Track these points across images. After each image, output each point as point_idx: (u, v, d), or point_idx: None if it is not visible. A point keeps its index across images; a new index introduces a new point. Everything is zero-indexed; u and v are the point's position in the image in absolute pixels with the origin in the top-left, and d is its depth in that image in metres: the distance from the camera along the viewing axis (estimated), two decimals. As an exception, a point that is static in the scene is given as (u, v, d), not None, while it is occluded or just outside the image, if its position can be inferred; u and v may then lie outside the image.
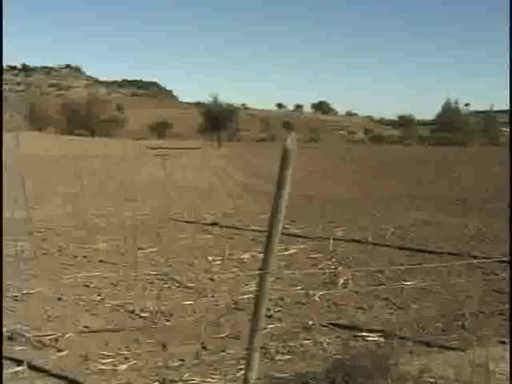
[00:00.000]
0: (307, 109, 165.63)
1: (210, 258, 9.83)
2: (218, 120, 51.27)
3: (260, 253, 9.59)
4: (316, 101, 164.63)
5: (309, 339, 6.13)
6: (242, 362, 5.26)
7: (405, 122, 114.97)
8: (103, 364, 5.49)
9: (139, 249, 10.31)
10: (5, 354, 5.64)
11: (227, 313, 7.05)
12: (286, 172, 4.15)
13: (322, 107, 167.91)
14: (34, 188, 20.51)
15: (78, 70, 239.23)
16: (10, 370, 5.32)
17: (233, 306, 7.31)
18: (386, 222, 13.36)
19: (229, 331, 6.34)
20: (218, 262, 9.60)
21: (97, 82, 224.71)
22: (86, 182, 21.93)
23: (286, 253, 10.05)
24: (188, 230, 12.58)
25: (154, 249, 10.55)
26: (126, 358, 5.61)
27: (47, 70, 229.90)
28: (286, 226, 10.84)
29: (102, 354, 5.69)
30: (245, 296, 7.58)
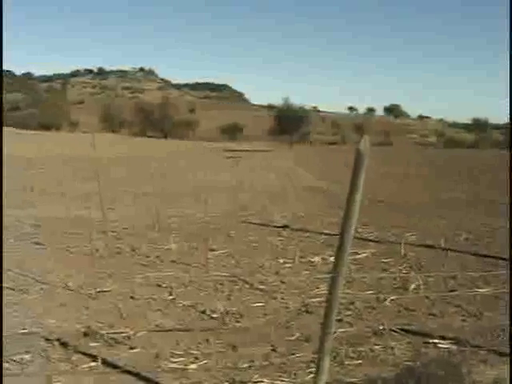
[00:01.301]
0: (379, 112, 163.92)
1: (280, 261, 9.82)
2: (289, 122, 51.32)
3: (331, 256, 9.56)
4: (388, 104, 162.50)
5: (379, 344, 6.05)
6: (312, 365, 5.24)
7: (478, 126, 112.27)
8: (174, 363, 5.56)
9: (210, 250, 10.39)
10: (80, 349, 5.80)
11: (297, 315, 7.04)
12: (359, 175, 4.11)
13: (394, 110, 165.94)
14: (109, 188, 20.95)
15: (151, 72, 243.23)
16: (84, 365, 5.46)
17: (303, 308, 7.29)
18: (458, 227, 13.08)
19: (299, 334, 6.32)
20: (289, 265, 9.58)
21: (169, 84, 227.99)
22: (159, 182, 22.28)
23: (357, 257, 9.96)
24: (259, 231, 12.60)
25: (225, 250, 10.61)
26: (196, 358, 5.66)
27: (122, 73, 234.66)
28: (358, 230, 10.74)
29: (173, 353, 5.76)
30: (315, 299, 7.55)
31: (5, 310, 7.08)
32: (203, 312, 7.09)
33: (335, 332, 5.47)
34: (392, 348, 5.93)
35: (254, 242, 11.52)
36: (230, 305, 7.34)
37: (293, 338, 6.24)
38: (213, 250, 10.50)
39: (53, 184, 21.23)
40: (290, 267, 9.44)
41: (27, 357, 5.63)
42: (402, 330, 6.49)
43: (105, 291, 7.93)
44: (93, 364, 5.47)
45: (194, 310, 7.21)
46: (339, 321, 6.39)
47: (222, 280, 8.57)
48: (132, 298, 7.67)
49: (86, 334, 6.22)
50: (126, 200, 17.72)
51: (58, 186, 21.08)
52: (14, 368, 5.40)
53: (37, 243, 11.13)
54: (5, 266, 9.22)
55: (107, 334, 6.25)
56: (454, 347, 5.93)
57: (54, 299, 7.63)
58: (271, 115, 56.71)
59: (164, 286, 8.26)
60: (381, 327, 6.54)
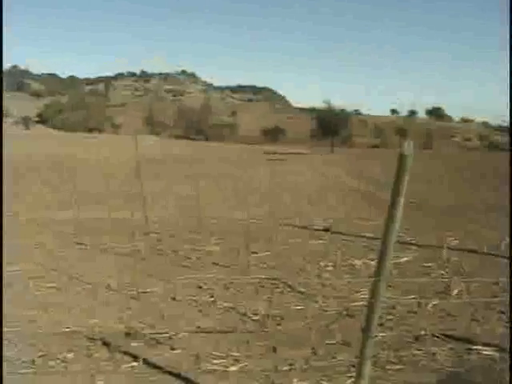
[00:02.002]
0: (422, 115, 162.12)
1: (321, 264, 9.79)
2: (330, 125, 51.18)
3: (372, 260, 9.50)
4: (431, 107, 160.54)
5: (421, 349, 5.99)
6: (353, 369, 5.22)
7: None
8: (214, 364, 5.58)
9: (251, 252, 10.42)
10: (122, 349, 5.86)
11: (338, 319, 7.00)
12: (402, 179, 4.08)
13: (436, 113, 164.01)
14: (152, 189, 21.11)
15: (193, 75, 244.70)
16: (126, 364, 5.51)
17: (344, 312, 7.25)
18: (502, 231, 12.87)
19: (339, 338, 6.29)
20: (330, 268, 9.55)
21: (211, 86, 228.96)
22: (201, 184, 22.39)
23: (399, 261, 9.88)
24: (300, 234, 12.58)
25: (266, 253, 10.62)
26: (236, 360, 5.68)
27: (164, 76, 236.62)
28: (399, 234, 10.63)
29: (214, 355, 5.79)
30: (356, 303, 7.51)
31: (48, 309, 7.20)
32: (244, 314, 7.11)
33: (376, 336, 5.44)
34: (434, 354, 5.86)
35: (295, 244, 11.51)
36: (271, 307, 7.34)
37: (333, 341, 6.21)
38: (254, 252, 10.52)
39: (95, 185, 21.46)
40: (331, 270, 9.40)
41: (70, 355, 5.71)
42: (444, 335, 6.41)
43: (146, 292, 8.00)
44: (134, 364, 5.53)
45: (235, 311, 7.23)
46: (380, 325, 6.34)
47: (263, 282, 8.58)
48: (173, 299, 7.73)
49: (127, 334, 6.29)
50: (167, 201, 17.85)
51: (101, 187, 21.30)
52: (58, 366, 5.48)
53: (79, 243, 11.28)
54: (48, 266, 9.39)
55: (149, 334, 6.31)
56: (497, 354, 5.84)
57: (97, 299, 7.73)
58: (312, 118, 56.62)
59: (205, 287, 8.30)
60: (422, 332, 6.47)
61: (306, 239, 12.03)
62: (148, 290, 8.11)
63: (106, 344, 6.00)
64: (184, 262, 9.87)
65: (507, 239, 11.92)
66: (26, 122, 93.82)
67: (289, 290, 8.26)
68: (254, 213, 15.00)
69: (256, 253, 10.53)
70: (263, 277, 8.87)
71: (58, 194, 19.30)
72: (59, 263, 9.64)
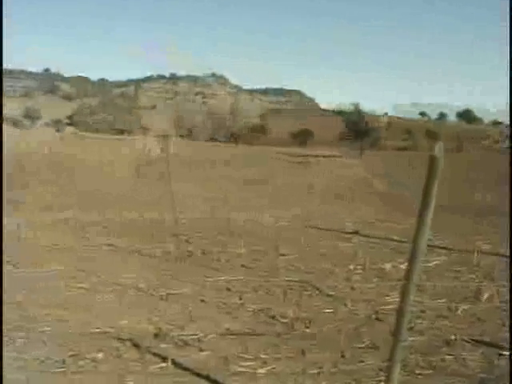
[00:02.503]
0: (451, 117, 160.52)
1: (350, 267, 9.75)
2: (359, 128, 50.99)
3: (402, 263, 9.44)
4: (460, 109, 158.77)
5: (451, 354, 5.93)
6: (381, 373, 5.19)
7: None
8: (243, 367, 5.58)
9: (280, 255, 10.42)
10: (150, 350, 5.89)
11: (367, 323, 6.97)
12: (432, 182, 4.05)
13: (466, 116, 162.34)
14: (180, 191, 21.18)
15: (222, 78, 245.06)
16: (155, 365, 5.54)
17: (373, 316, 7.21)
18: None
19: (368, 341, 6.26)
20: (359, 271, 9.50)
21: (240, 89, 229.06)
22: (229, 186, 22.43)
23: (429, 265, 9.79)
24: (328, 237, 12.55)
25: (295, 255, 10.61)
26: (264, 362, 5.67)
27: (193, 79, 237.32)
28: (429, 237, 10.53)
29: (242, 357, 5.79)
30: (385, 306, 7.47)
31: (78, 310, 7.27)
32: (272, 317, 7.10)
33: (405, 340, 5.41)
34: (464, 359, 5.80)
35: (324, 247, 11.48)
36: (300, 310, 7.33)
37: (362, 345, 6.18)
38: (283, 254, 10.52)
39: (125, 187, 21.64)
40: (360, 274, 9.36)
41: (100, 355, 5.75)
42: (475, 340, 6.34)
43: (175, 293, 8.04)
44: (163, 365, 5.55)
45: (264, 314, 7.23)
46: (410, 329, 6.29)
47: (292, 285, 8.57)
48: (202, 301, 7.75)
49: (156, 335, 6.32)
50: (196, 203, 17.91)
51: (131, 189, 21.48)
52: (88, 366, 5.53)
53: (109, 245, 11.36)
54: (78, 267, 9.47)
55: (177, 335, 6.34)
56: (529, 360, 5.76)
57: (126, 300, 7.78)
58: (342, 121, 56.48)
59: (234, 289, 8.31)
60: (452, 337, 6.42)
61: (334, 242, 11.99)
62: (177, 291, 8.14)
63: (135, 345, 6.03)
64: (213, 264, 9.89)
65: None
66: (57, 124, 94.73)
67: (317, 292, 8.24)
68: (281, 215, 15.03)
69: (284, 255, 10.53)
70: (292, 279, 8.86)
71: (86, 194, 19.48)
72: (88, 264, 9.72)
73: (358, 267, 9.72)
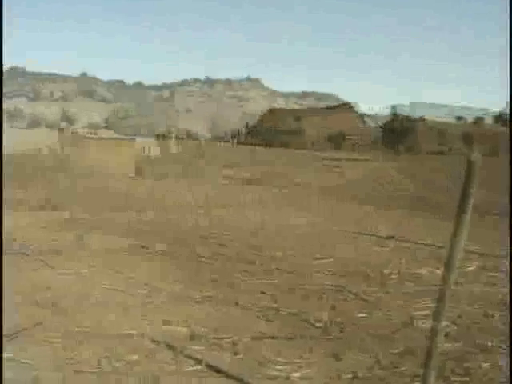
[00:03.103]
0: (488, 121, 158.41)
1: (385, 271, 9.69)
2: (395, 132, 50.64)
3: (437, 268, 9.35)
4: (497, 113, 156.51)
5: (487, 361, 5.85)
6: (416, 379, 5.14)
7: None
8: (277, 370, 5.56)
9: (315, 258, 10.39)
10: (185, 352, 5.91)
11: (402, 328, 6.91)
12: (470, 186, 4.01)
13: (504, 119, 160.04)
14: (216, 194, 21.32)
15: (257, 81, 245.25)
16: (189, 367, 5.56)
17: (408, 321, 7.14)
18: None
19: (403, 347, 6.20)
20: (394, 276, 9.43)
21: (275, 93, 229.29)
22: (262, 190, 22.45)
23: (464, 270, 9.68)
24: (363, 241, 12.49)
25: (329, 259, 10.56)
26: (299, 367, 5.65)
27: (228, 82, 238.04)
28: (465, 242, 10.36)
29: (276, 361, 5.77)
30: (420, 312, 7.39)
31: (112, 311, 7.32)
32: (307, 321, 7.07)
33: (441, 346, 5.35)
34: (501, 366, 5.72)
35: (359, 251, 11.42)
36: (334, 314, 7.30)
37: (397, 350, 6.13)
38: (317, 258, 10.48)
39: (160, 190, 21.82)
40: (395, 278, 9.29)
41: (135, 357, 5.79)
42: (512, 347, 6.24)
43: (209, 296, 8.05)
44: (197, 367, 5.56)
45: (298, 318, 7.20)
46: (446, 335, 6.22)
47: (327, 289, 8.53)
48: (236, 304, 7.74)
49: (191, 338, 6.34)
50: (228, 206, 17.95)
51: (166, 192, 21.67)
52: (123, 367, 5.56)
53: (143, 247, 11.42)
54: (112, 268, 9.55)
55: (212, 338, 6.35)
56: None
57: (159, 302, 7.80)
58: (377, 125, 56.16)
59: (268, 293, 8.29)
60: (489, 344, 6.33)
61: (369, 246, 11.93)
62: (211, 294, 8.15)
63: (169, 346, 6.06)
64: (247, 267, 9.89)
65: None
66: (93, 127, 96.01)
67: (352, 297, 8.19)
68: (315, 218, 14.98)
69: (319, 259, 10.50)
70: (326, 283, 8.83)
71: (119, 196, 19.70)
72: (123, 266, 9.80)
73: (393, 272, 9.66)
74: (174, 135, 58.26)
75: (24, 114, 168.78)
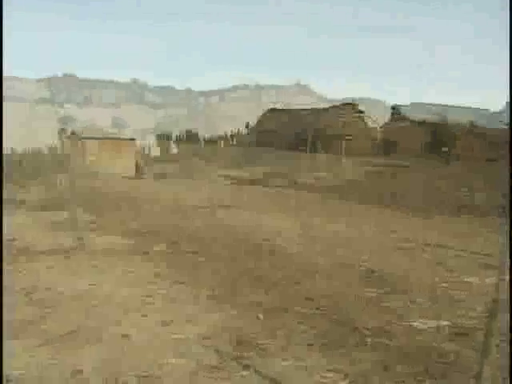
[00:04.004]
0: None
1: (436, 279, 9.56)
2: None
3: (488, 277, 9.20)
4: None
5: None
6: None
7: None
8: (325, 378, 5.54)
9: (364, 267, 10.32)
10: (233, 357, 5.92)
11: (451, 337, 6.78)
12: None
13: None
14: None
15: (306, 88, 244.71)
16: (237, 373, 5.55)
17: (457, 330, 7.01)
18: None
19: (453, 357, 6.10)
20: (444, 284, 9.29)
21: (324, 99, 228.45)
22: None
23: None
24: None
25: (378, 266, 10.46)
26: (346, 375, 5.61)
27: (277, 88, 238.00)
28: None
29: (324, 368, 5.74)
30: (470, 321, 7.26)
31: (157, 316, 7.38)
32: (355, 328, 7.01)
33: (493, 357, 5.24)
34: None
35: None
36: (382, 322, 7.22)
37: (446, 360, 6.03)
38: (366, 266, 10.41)
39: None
40: (445, 287, 9.14)
41: (182, 361, 5.82)
42: None
43: (255, 301, 8.04)
44: (245, 373, 5.56)
45: (347, 326, 7.14)
46: (497, 346, 6.09)
47: (374, 296, 8.45)
48: (285, 311, 7.71)
49: (239, 343, 6.34)
50: (281, 213, 17.95)
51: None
52: (171, 371, 5.59)
53: (189, 252, 11.48)
54: (161, 273, 9.63)
55: (260, 344, 6.34)
56: None
57: (209, 307, 7.82)
58: (426, 131, 55.36)
59: (316, 300, 8.24)
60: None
61: (419, 253, 11.79)
62: (257, 299, 8.14)
63: (217, 352, 6.07)
64: (294, 273, 9.85)
65: None
66: (143, 133, 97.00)
67: (401, 304, 8.09)
68: (364, 226, 14.86)
69: (367, 266, 10.42)
70: (374, 290, 8.74)
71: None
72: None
73: (443, 280, 9.52)
74: (174, 135, 58.56)
75: (75, 120, 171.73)
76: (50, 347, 6.14)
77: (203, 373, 5.52)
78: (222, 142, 60.24)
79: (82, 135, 35.10)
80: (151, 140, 54.67)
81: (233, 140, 59.93)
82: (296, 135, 50.55)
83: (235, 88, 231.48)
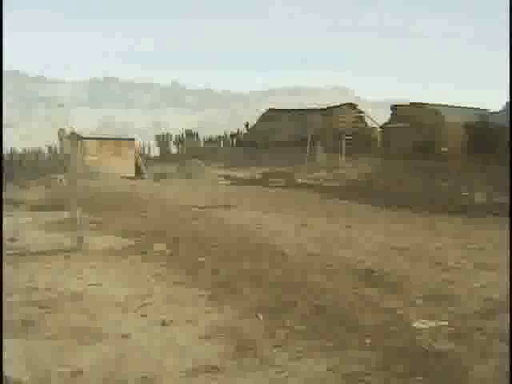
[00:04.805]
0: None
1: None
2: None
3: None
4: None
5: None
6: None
7: None
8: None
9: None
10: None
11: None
12: None
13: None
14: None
15: (344, 90, 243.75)
16: (238, 373, 5.55)
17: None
18: None
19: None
20: (444, 284, 9.21)
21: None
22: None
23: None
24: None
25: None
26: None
27: (316, 91, 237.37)
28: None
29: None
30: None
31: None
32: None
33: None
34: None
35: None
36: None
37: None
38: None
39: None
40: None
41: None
42: None
43: (257, 302, 8.02)
44: (245, 373, 5.56)
45: (346, 325, 7.09)
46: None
47: (375, 296, 8.39)
48: (285, 311, 7.64)
49: (239, 343, 6.35)
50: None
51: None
52: (167, 371, 5.60)
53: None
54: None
55: (260, 344, 6.34)
56: None
57: (206, 307, 7.82)
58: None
59: (316, 299, 8.17)
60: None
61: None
62: (260, 300, 8.12)
63: (217, 352, 6.07)
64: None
65: None
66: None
67: (401, 305, 8.03)
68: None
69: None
70: (374, 290, 8.69)
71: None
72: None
73: (442, 280, 9.43)
74: (174, 135, 58.61)
75: (116, 123, 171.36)
76: (49, 347, 6.14)
77: (203, 373, 5.52)
78: (222, 141, 60.10)
79: (82, 135, 35.06)
80: (151, 140, 54.75)
81: (233, 140, 59.76)
82: (296, 135, 50.34)
83: (273, 91, 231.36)
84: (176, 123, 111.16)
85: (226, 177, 34.98)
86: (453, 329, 6.89)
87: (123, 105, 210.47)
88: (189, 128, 61.47)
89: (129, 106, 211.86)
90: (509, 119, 22.91)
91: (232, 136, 60.46)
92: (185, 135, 59.32)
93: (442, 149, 35.36)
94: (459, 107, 33.44)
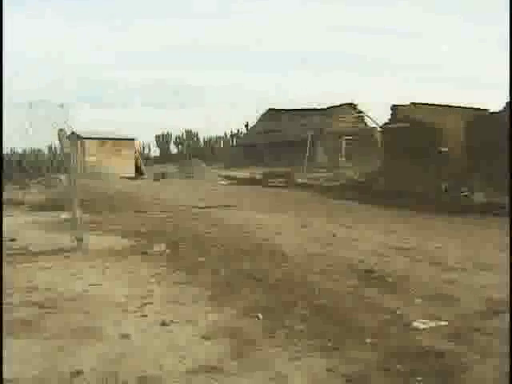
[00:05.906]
0: None
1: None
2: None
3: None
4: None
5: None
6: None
7: None
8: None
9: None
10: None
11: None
12: None
13: None
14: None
15: (352, 106, 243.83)
16: (238, 373, 5.54)
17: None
18: None
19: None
20: (444, 284, 9.22)
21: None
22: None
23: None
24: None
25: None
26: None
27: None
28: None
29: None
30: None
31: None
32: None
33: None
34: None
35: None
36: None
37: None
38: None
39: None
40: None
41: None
42: None
43: (257, 302, 8.02)
44: (245, 373, 5.55)
45: (346, 325, 7.09)
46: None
47: (375, 296, 8.40)
48: (285, 311, 7.64)
49: (238, 343, 6.34)
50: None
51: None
52: (167, 371, 5.59)
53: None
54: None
55: (260, 344, 6.33)
56: None
57: (206, 307, 7.81)
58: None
59: (316, 299, 8.18)
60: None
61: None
62: (260, 301, 8.12)
63: (217, 352, 6.06)
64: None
65: None
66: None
67: (401, 305, 8.03)
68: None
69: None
70: (374, 290, 8.70)
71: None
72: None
73: (442, 280, 9.42)
74: (174, 136, 58.74)
75: (116, 122, 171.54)
76: (49, 347, 6.14)
77: (203, 373, 5.51)
78: (222, 142, 60.14)
79: (82, 135, 35.07)
80: (151, 140, 54.91)
81: (233, 140, 59.83)
82: (296, 135, 50.35)
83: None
84: (176, 123, 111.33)
85: (226, 177, 35.02)
86: (453, 329, 6.90)
87: (123, 105, 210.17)
88: (189, 128, 61.34)
89: (129, 105, 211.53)
90: (509, 119, 23.00)
91: (232, 136, 60.43)
92: (185, 135, 59.30)
93: (442, 149, 35.28)
94: (459, 107, 33.42)
